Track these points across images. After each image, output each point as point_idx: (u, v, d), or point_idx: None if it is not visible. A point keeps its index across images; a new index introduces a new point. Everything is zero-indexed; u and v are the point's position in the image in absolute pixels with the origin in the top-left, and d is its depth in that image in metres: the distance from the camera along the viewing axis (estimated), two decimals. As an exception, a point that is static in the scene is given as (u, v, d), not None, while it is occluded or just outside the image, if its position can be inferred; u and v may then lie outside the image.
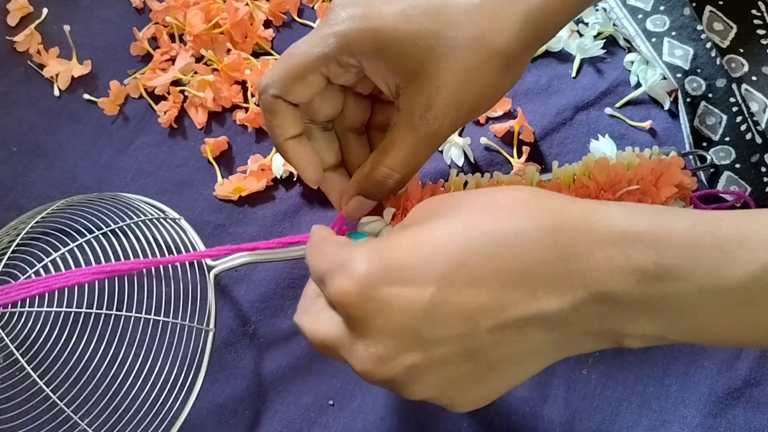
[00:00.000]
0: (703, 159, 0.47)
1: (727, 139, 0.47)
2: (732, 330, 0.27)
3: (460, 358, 0.28)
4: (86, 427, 0.37)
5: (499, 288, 0.27)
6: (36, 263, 0.39)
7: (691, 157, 0.48)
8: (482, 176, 0.40)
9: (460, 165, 0.48)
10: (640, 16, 0.51)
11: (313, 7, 0.56)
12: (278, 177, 0.49)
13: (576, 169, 0.42)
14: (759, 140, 0.46)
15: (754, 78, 0.46)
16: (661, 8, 0.51)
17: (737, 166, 0.47)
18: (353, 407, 0.43)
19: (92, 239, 0.41)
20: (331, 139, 0.39)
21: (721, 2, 0.51)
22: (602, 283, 0.26)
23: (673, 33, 0.50)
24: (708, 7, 0.51)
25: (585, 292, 0.26)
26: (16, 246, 0.40)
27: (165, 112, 0.51)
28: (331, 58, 0.34)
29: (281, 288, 0.46)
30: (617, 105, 0.51)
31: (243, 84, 0.53)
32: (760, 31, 0.49)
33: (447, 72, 0.33)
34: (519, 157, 0.49)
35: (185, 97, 0.52)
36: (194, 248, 0.43)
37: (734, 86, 0.47)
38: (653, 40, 0.50)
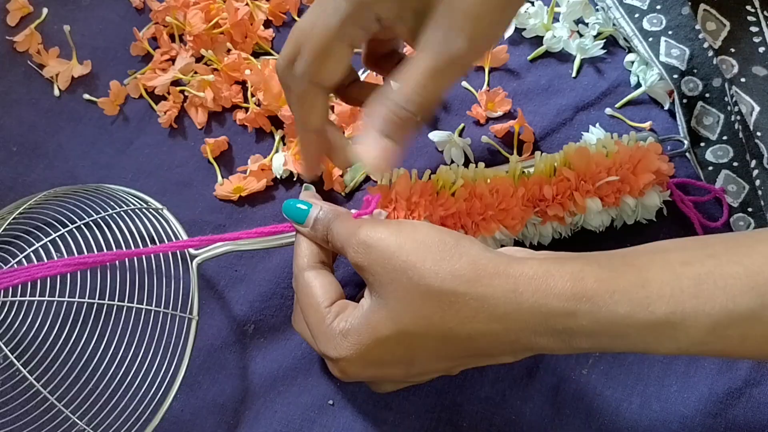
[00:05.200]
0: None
1: (724, 138, 0.47)
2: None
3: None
4: (70, 414, 0.37)
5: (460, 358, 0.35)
6: (18, 254, 0.39)
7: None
8: (467, 167, 0.42)
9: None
10: (636, 15, 0.51)
11: (313, 7, 0.56)
12: (278, 177, 0.49)
13: (556, 158, 0.43)
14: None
15: (743, 80, 0.46)
16: (658, 7, 0.51)
17: (735, 164, 0.47)
18: (353, 407, 0.43)
19: (74, 230, 0.41)
20: (325, 101, 0.39)
21: None
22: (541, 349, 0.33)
23: (670, 32, 0.50)
24: (702, 6, 0.50)
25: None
26: None
27: (165, 112, 0.51)
28: (350, 21, 0.34)
29: (281, 288, 0.46)
30: (617, 105, 0.51)
31: (243, 84, 0.53)
32: (753, 28, 0.49)
33: None
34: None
35: (185, 97, 0.52)
36: (177, 238, 0.43)
37: (727, 85, 0.47)
38: (650, 39, 0.50)
